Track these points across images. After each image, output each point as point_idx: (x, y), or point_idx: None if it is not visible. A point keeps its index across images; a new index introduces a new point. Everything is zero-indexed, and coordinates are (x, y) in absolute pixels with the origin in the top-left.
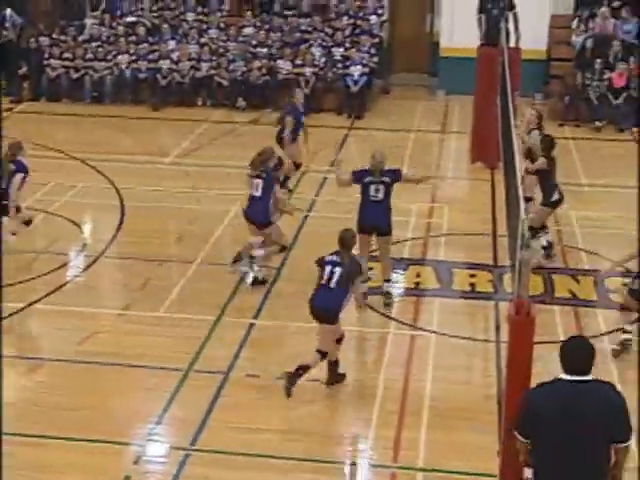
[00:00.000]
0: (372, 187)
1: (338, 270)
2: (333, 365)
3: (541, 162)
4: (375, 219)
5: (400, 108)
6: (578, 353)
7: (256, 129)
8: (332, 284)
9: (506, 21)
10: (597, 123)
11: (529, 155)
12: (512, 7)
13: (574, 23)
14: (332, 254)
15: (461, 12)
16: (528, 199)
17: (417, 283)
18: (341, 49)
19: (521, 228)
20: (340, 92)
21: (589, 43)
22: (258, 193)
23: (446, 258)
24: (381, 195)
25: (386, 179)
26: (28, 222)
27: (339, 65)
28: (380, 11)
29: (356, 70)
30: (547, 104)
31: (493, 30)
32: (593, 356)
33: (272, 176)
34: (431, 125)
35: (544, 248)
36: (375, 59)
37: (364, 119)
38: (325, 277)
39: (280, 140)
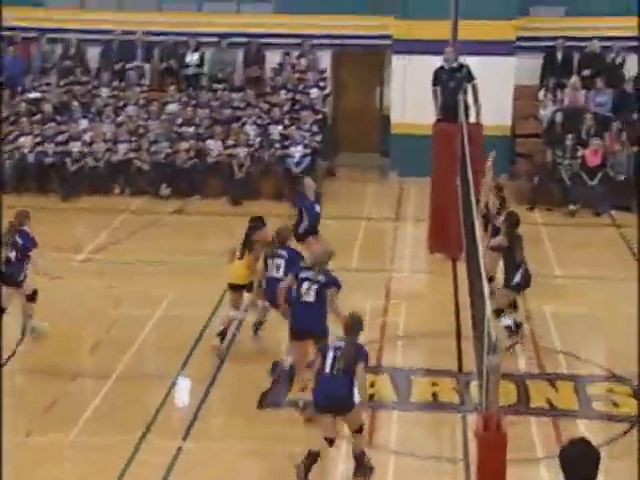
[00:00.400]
0: (304, 284)
1: (340, 355)
2: (360, 457)
3: (500, 239)
4: (305, 322)
5: (348, 192)
6: (581, 460)
7: (182, 220)
8: (335, 371)
9: (464, 93)
10: (571, 207)
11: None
12: (471, 78)
13: (541, 94)
14: (336, 339)
15: (414, 84)
16: (489, 279)
17: (371, 395)
18: (279, 127)
19: (487, 328)
20: (279, 176)
21: (559, 117)
22: (279, 274)
23: (404, 364)
24: (312, 296)
25: (322, 279)
26: (33, 295)
27: (277, 145)
28: (322, 84)
29: (297, 150)
30: (514, 186)
31: (450, 104)
32: (598, 462)
33: (295, 253)
34: (384, 211)
35: (507, 328)
36: (318, 137)
37: None
38: (328, 364)
39: (298, 236)
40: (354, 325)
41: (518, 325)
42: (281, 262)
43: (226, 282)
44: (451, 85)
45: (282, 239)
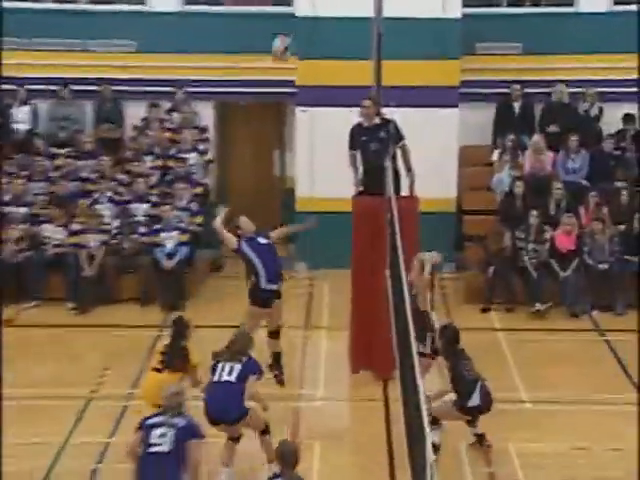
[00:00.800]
0: (157, 431)
1: None
2: None
3: (441, 362)
4: None
5: (239, 293)
6: None
7: (9, 335)
8: None
9: (393, 159)
10: (538, 306)
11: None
12: (399, 137)
13: (494, 157)
14: (273, 477)
15: (324, 147)
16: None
17: None
18: (145, 205)
19: (429, 474)
20: (145, 272)
21: (519, 187)
22: (232, 377)
23: None
24: (167, 446)
25: (179, 422)
26: None
27: (142, 230)
28: (203, 147)
29: (170, 237)
30: (463, 279)
31: (374, 171)
32: None
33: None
34: (289, 317)
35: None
36: (198, 219)
37: (184, 311)
38: None
39: (255, 299)
40: (289, 455)
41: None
42: (236, 365)
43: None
44: (373, 147)
45: (243, 348)
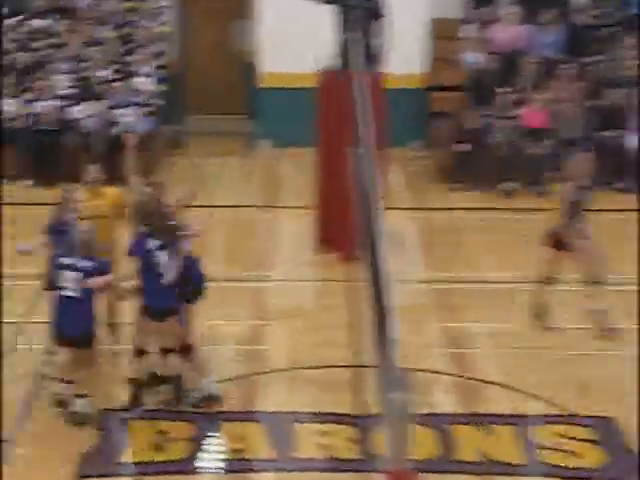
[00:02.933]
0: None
1: None
2: None
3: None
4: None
5: (198, 171)
6: None
7: None
8: None
9: (367, 34)
10: (507, 185)
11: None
12: (378, 15)
13: (466, 31)
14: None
15: (289, 15)
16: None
17: (239, 450)
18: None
19: (388, 354)
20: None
21: (490, 62)
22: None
23: (283, 407)
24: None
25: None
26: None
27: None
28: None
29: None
30: (429, 157)
31: (342, 46)
32: None
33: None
34: (251, 196)
35: None
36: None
37: None
38: None
39: None
40: None
41: None
42: None
43: None
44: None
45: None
